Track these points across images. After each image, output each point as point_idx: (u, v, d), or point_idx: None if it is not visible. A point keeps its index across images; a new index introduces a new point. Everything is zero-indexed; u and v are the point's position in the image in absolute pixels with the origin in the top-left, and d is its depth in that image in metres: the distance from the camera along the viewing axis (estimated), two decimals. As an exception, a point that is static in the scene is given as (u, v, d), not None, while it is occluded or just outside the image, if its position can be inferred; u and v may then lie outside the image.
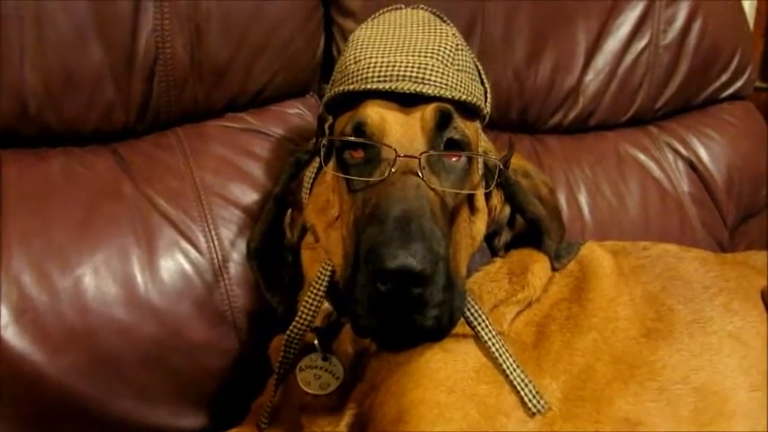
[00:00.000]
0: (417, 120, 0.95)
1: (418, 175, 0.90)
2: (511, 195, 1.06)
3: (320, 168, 1.05)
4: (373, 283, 0.83)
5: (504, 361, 0.93)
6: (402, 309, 0.84)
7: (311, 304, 0.99)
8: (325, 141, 0.99)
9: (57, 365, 1.05)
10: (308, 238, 1.08)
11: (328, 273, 0.99)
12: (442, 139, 0.95)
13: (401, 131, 0.94)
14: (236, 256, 1.17)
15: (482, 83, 1.05)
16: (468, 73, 1.01)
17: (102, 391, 1.07)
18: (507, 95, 1.47)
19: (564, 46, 1.49)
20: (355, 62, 0.98)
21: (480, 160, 1.03)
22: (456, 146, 0.96)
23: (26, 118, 1.16)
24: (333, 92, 0.99)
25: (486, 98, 1.05)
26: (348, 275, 0.90)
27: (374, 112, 0.94)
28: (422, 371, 0.92)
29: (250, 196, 1.22)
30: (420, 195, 0.88)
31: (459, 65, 0.99)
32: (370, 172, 0.93)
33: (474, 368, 0.93)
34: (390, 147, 0.92)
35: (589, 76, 1.51)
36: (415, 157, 0.91)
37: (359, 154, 0.95)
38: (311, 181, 1.07)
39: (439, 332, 0.88)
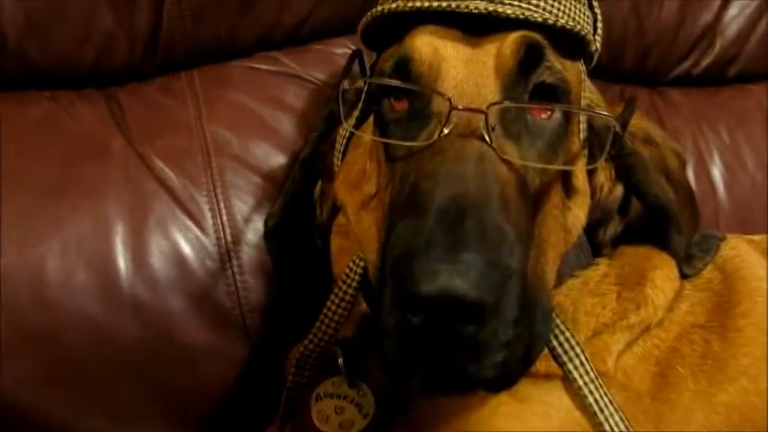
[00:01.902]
0: (490, 56, 0.66)
1: (484, 139, 0.62)
2: (626, 170, 0.77)
3: (357, 126, 0.79)
4: (401, 311, 0.55)
5: (607, 417, 0.65)
6: (446, 352, 0.55)
7: (335, 310, 0.75)
8: (359, 86, 0.71)
9: (8, 373, 0.85)
10: (341, 218, 0.82)
11: (359, 271, 0.74)
12: (527, 87, 0.67)
13: (464, 72, 0.66)
14: (252, 236, 0.93)
15: (590, 6, 0.76)
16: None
17: (66, 408, 0.87)
18: (621, 35, 1.23)
19: None
20: None
21: (583, 119, 0.73)
22: (548, 95, 0.67)
23: (4, 53, 0.96)
24: (372, 14, 0.69)
25: (594, 29, 0.75)
26: (377, 284, 0.63)
27: (425, 44, 0.67)
28: (483, 428, 0.65)
29: (275, 159, 0.97)
30: (484, 172, 0.60)
31: None
32: (414, 133, 0.66)
33: (560, 427, 0.66)
34: (443, 94, 0.63)
35: (731, 12, 1.26)
36: (481, 111, 0.62)
37: (402, 105, 0.67)
38: (344, 142, 0.80)
39: (506, 381, 0.60)
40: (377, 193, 0.72)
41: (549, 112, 0.67)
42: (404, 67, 0.67)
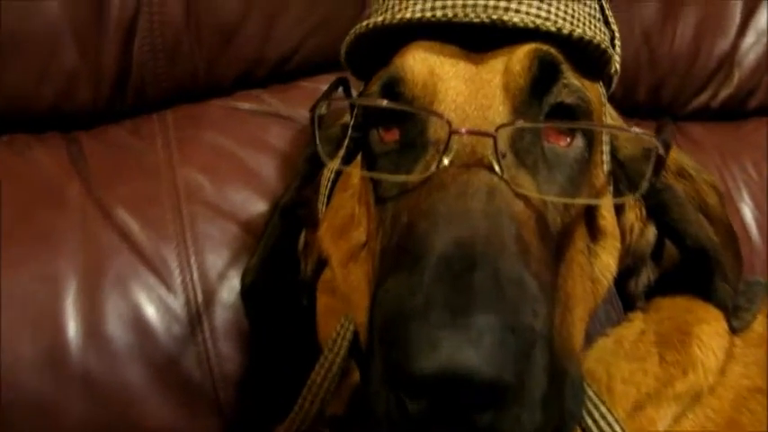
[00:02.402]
0: (496, 73, 0.56)
1: (493, 169, 0.51)
2: (659, 208, 0.66)
3: (344, 165, 0.69)
4: (395, 393, 0.43)
5: None
6: None
7: (321, 383, 0.64)
8: (345, 121, 0.62)
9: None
10: (328, 273, 0.71)
11: (348, 335, 0.64)
12: (542, 109, 0.57)
13: (465, 93, 0.56)
14: (226, 295, 0.83)
15: (606, 22, 0.67)
16: (585, 4, 0.61)
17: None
18: (634, 65, 1.16)
19: None
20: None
21: (605, 149, 0.63)
22: (567, 118, 0.57)
23: (-48, 92, 0.89)
24: (356, 32, 0.59)
25: (612, 46, 0.66)
26: (367, 354, 0.51)
27: (418, 61, 0.57)
28: None
29: (255, 206, 0.88)
30: (495, 210, 0.49)
31: None
32: (407, 166, 0.55)
33: None
34: (441, 115, 0.53)
35: (749, 40, 1.20)
36: (488, 135, 0.52)
37: (392, 135, 0.57)
38: (329, 185, 0.70)
39: None
40: (367, 241, 0.62)
41: (568, 139, 0.57)
42: (393, 89, 0.57)
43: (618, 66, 0.66)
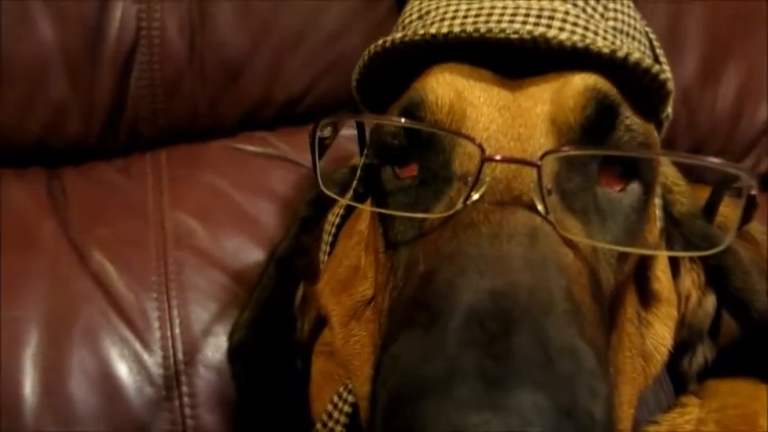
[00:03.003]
0: (539, 102, 0.47)
1: (535, 208, 0.42)
2: (720, 275, 0.56)
3: (349, 210, 0.61)
4: None
5: None
6: None
7: None
8: (354, 163, 0.54)
9: None
10: (327, 334, 0.61)
11: (346, 408, 0.54)
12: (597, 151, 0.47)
13: (499, 121, 0.46)
14: (211, 354, 0.72)
15: (657, 61, 0.59)
16: (634, 38, 0.54)
17: None
18: (672, 126, 1.11)
19: (754, 58, 1.12)
20: (420, 16, 0.52)
21: (657, 203, 0.54)
22: (626, 165, 0.48)
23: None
24: (370, 53, 0.51)
25: None
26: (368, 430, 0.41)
27: (443, 84, 0.48)
28: None
29: (250, 255, 0.78)
30: (541, 257, 0.39)
31: (620, 22, 0.53)
32: (427, 203, 0.46)
33: None
34: (471, 138, 0.43)
35: None
36: (531, 164, 0.42)
37: (409, 171, 0.48)
38: (333, 230, 0.60)
39: None
40: (374, 296, 0.52)
41: (623, 184, 0.47)
42: (413, 115, 0.47)
43: (670, 110, 0.57)
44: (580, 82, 0.47)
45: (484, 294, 0.35)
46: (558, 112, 0.46)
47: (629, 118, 0.47)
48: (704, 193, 0.59)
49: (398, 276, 0.44)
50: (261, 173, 0.86)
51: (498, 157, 0.42)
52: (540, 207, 0.41)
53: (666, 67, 0.59)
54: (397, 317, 0.40)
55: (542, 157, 0.42)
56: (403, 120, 0.45)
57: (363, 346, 0.51)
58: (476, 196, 0.41)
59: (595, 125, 0.46)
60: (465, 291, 0.35)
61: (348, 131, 0.59)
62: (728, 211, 0.61)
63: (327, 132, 0.49)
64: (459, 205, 0.41)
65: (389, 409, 0.34)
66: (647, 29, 0.60)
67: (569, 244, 0.41)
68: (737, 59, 1.11)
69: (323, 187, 0.50)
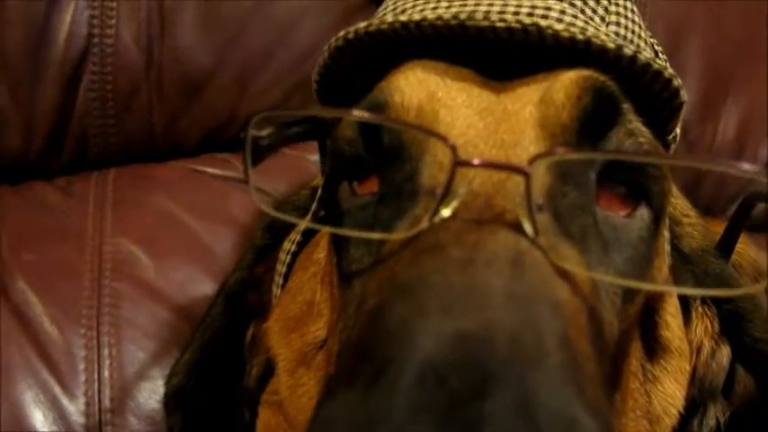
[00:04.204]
0: (528, 104, 0.39)
1: (521, 229, 0.33)
2: (736, 321, 0.48)
3: (308, 237, 0.53)
4: None
5: None
6: None
7: None
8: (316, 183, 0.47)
9: None
10: (274, 382, 0.53)
11: None
12: (594, 160, 0.39)
13: (479, 125, 0.38)
14: (144, 401, 0.63)
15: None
16: (645, 51, 0.47)
17: None
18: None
19: (755, 93, 1.09)
20: (394, 9, 0.45)
21: (666, 235, 0.46)
22: (630, 178, 0.39)
23: None
24: (330, 47, 0.43)
25: None
26: None
27: (412, 83, 0.40)
28: None
29: (200, 288, 0.70)
30: (527, 290, 0.30)
31: (623, 28, 0.46)
32: (387, 221, 0.37)
33: None
34: (443, 138, 0.35)
35: None
36: (517, 170, 0.34)
37: (368, 187, 0.40)
38: (288, 259, 0.52)
39: None
40: (327, 338, 0.43)
41: (629, 209, 0.39)
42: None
43: (678, 130, 0.50)
44: (572, 75, 0.39)
45: (447, 339, 0.25)
46: (550, 112, 0.38)
47: (633, 122, 0.40)
48: (718, 228, 0.51)
49: (349, 314, 0.36)
50: (220, 197, 0.78)
51: (476, 162, 0.33)
52: (527, 228, 0.32)
53: (677, 82, 0.52)
54: (338, 368, 0.31)
55: (531, 161, 0.33)
56: (354, 112, 0.37)
57: (311, 399, 0.42)
58: (446, 212, 0.32)
59: (593, 120, 0.39)
60: (422, 334, 0.26)
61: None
62: (744, 248, 0.54)
63: (266, 132, 0.41)
64: (425, 223, 0.33)
65: None
66: (653, 40, 0.53)
67: (564, 276, 0.32)
68: (737, 94, 1.08)
69: (259, 203, 0.41)
